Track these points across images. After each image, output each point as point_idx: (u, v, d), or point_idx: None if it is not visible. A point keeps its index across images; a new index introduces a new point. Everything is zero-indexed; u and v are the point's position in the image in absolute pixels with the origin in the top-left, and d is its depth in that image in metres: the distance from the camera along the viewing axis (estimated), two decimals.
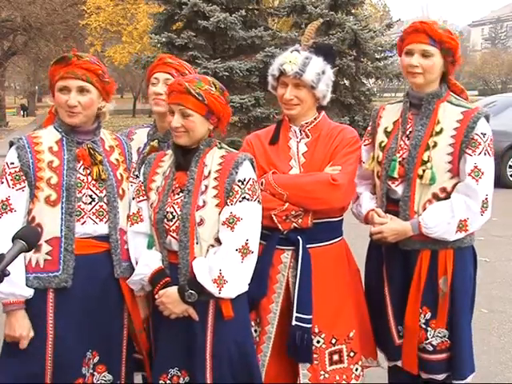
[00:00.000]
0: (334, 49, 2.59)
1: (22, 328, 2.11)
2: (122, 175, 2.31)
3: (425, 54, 2.35)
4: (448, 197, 2.38)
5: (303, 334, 2.34)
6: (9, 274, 1.63)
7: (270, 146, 2.48)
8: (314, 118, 2.47)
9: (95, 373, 2.24)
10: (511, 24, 61.23)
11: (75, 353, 2.17)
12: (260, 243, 2.40)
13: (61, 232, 2.15)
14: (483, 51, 52.34)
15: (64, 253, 2.15)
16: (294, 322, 2.34)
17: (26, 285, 2.13)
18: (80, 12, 21.73)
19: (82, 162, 2.21)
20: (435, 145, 2.37)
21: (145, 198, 2.26)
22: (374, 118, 2.64)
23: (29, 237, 1.72)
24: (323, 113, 2.52)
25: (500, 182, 9.03)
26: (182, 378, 2.20)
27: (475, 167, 2.32)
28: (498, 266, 5.55)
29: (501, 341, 3.97)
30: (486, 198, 2.35)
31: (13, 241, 1.69)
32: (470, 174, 2.33)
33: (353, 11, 14.27)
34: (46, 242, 2.13)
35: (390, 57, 15.05)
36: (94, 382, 2.24)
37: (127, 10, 21.73)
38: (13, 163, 2.16)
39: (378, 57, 14.26)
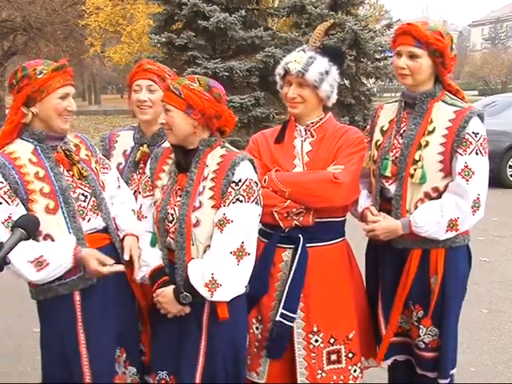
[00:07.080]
0: (344, 51, 2.60)
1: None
2: (96, 168, 2.32)
3: (411, 56, 2.36)
4: (440, 196, 2.38)
5: (283, 331, 2.35)
6: (9, 263, 1.62)
7: (276, 144, 2.48)
8: (320, 119, 2.48)
9: (125, 370, 2.29)
10: (511, 24, 61.25)
11: (109, 351, 2.21)
12: (262, 241, 2.42)
13: (70, 235, 2.14)
14: (483, 51, 52.32)
15: None
16: (277, 318, 2.35)
17: (51, 292, 2.14)
18: (80, 12, 21.73)
19: (62, 166, 2.20)
20: (427, 144, 2.37)
21: (151, 193, 2.27)
22: (372, 116, 2.66)
23: (28, 225, 1.71)
24: (330, 114, 2.52)
25: (500, 182, 8.73)
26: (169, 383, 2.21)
27: (465, 167, 2.32)
28: (497, 266, 5.54)
29: (501, 341, 3.97)
30: (478, 198, 2.34)
31: (12, 229, 1.68)
32: (460, 174, 2.32)
33: (352, 11, 14.29)
34: None
35: (390, 57, 15.01)
36: (127, 380, 2.28)
37: (126, 10, 21.74)
38: (2, 182, 2.09)
39: (378, 57, 14.29)
